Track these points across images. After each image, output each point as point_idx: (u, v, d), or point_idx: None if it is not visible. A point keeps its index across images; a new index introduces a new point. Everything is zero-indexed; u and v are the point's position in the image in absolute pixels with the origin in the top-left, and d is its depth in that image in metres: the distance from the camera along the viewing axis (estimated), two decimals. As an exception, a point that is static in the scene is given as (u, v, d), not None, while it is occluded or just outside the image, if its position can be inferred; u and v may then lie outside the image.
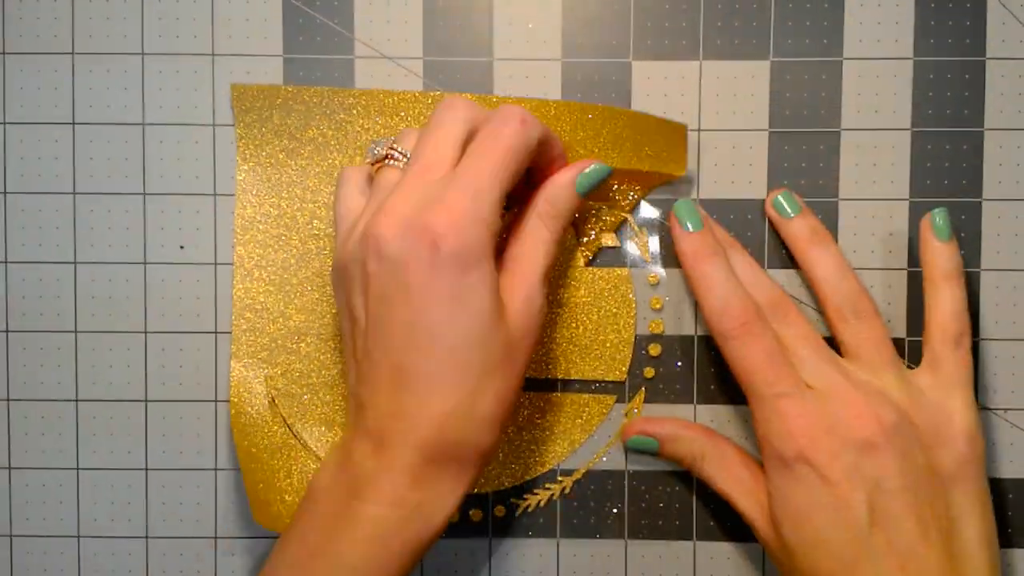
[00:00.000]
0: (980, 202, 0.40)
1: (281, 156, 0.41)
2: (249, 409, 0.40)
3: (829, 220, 0.40)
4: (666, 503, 0.41)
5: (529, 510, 0.41)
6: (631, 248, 0.41)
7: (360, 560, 0.34)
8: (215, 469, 0.41)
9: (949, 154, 0.40)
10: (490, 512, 0.41)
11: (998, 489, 0.40)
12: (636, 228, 0.40)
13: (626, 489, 0.41)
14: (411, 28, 0.41)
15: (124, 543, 0.42)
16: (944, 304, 0.38)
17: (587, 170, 0.38)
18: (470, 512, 0.41)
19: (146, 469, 0.41)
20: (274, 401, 0.41)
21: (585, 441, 0.41)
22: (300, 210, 0.41)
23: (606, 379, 0.41)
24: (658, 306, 0.41)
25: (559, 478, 0.41)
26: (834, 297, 0.38)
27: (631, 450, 0.41)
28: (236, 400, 0.40)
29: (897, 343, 0.40)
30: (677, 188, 0.41)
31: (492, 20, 0.41)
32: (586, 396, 0.41)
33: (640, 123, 0.40)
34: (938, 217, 0.39)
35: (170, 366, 0.41)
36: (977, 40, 0.40)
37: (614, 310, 0.41)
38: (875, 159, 0.40)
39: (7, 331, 0.41)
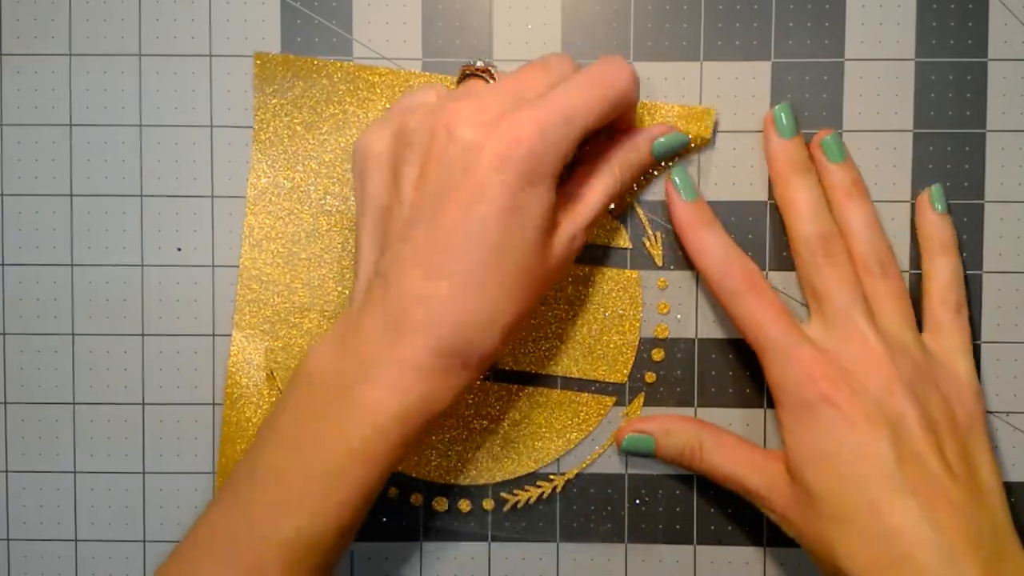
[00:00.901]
0: (982, 204, 0.40)
1: (299, 128, 0.40)
2: (245, 380, 0.40)
3: (830, 222, 0.40)
4: (666, 506, 0.41)
5: (519, 506, 0.41)
6: (643, 250, 0.41)
7: (360, 444, 0.34)
8: (213, 473, 0.41)
9: (951, 156, 0.40)
10: (478, 505, 0.41)
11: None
12: (651, 232, 0.40)
13: (626, 492, 0.41)
14: (410, 29, 0.40)
15: (122, 547, 0.41)
16: (941, 273, 0.39)
17: (668, 135, 0.39)
18: (459, 502, 0.41)
19: (144, 472, 0.41)
20: (272, 374, 0.40)
21: (581, 441, 0.41)
22: (314, 184, 0.40)
23: (607, 380, 0.41)
24: (665, 311, 0.40)
25: (551, 477, 0.41)
26: (863, 250, 0.39)
27: (627, 453, 0.40)
28: (233, 370, 0.40)
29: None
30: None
31: (491, 21, 0.40)
32: (585, 396, 0.41)
33: (663, 112, 0.40)
34: (935, 191, 0.40)
35: (168, 369, 0.41)
36: (979, 41, 0.40)
37: (620, 311, 0.40)
38: (876, 160, 0.40)
39: (4, 333, 0.41)
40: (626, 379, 0.41)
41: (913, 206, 0.40)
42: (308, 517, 0.33)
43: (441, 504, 0.41)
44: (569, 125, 0.34)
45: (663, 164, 0.40)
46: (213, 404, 0.41)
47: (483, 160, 0.33)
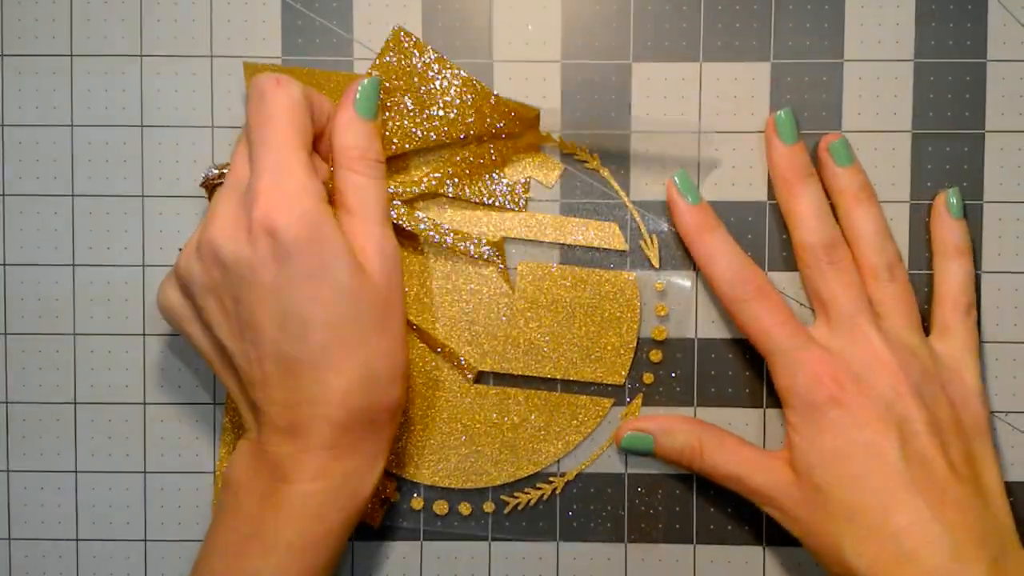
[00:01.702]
0: (981, 204, 0.40)
1: None
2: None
3: (830, 222, 0.40)
4: (666, 506, 0.41)
5: (519, 508, 0.41)
6: (640, 252, 0.41)
7: (297, 536, 0.34)
8: (213, 472, 0.41)
9: (950, 156, 0.40)
10: (479, 508, 0.41)
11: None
12: (647, 235, 0.40)
13: (626, 492, 0.41)
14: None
15: (123, 546, 0.41)
16: (955, 276, 0.39)
17: (358, 93, 0.37)
18: (459, 505, 0.41)
19: (145, 472, 0.41)
20: None
21: (581, 443, 0.41)
22: None
23: (605, 382, 0.41)
24: (663, 312, 0.41)
25: (551, 478, 0.41)
26: (873, 256, 0.39)
27: (626, 452, 0.40)
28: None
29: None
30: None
31: (491, 22, 0.41)
32: (584, 398, 0.41)
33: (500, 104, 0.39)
34: (952, 196, 0.40)
35: (169, 369, 0.41)
36: (978, 42, 0.40)
37: (618, 314, 0.40)
38: (875, 161, 0.40)
39: (5, 333, 0.41)
40: (624, 381, 0.41)
41: (912, 206, 0.40)
42: None
43: (442, 507, 0.41)
44: (288, 174, 0.34)
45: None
46: (214, 404, 0.41)
47: (257, 268, 0.34)
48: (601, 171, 0.40)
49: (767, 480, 0.38)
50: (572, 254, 0.41)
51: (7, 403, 0.41)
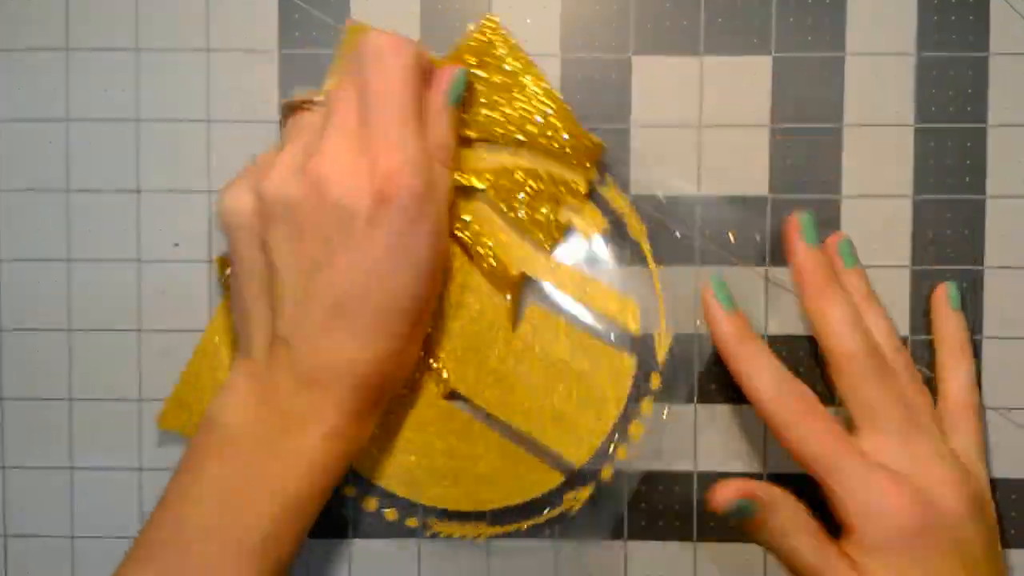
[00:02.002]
0: (984, 199, 0.40)
1: None
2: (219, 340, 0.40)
3: (831, 217, 0.40)
4: (666, 503, 0.41)
5: (573, 514, 0.41)
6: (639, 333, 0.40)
7: (307, 490, 0.35)
8: (210, 469, 0.41)
9: (952, 151, 0.40)
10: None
11: (1000, 489, 0.40)
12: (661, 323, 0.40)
13: (625, 490, 0.41)
14: (408, 24, 0.40)
15: (119, 543, 0.41)
16: (962, 376, 0.39)
17: (451, 83, 0.37)
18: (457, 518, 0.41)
19: (140, 469, 0.41)
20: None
21: (514, 505, 0.40)
22: None
23: (566, 456, 0.40)
24: (656, 385, 0.40)
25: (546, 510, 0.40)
26: (891, 360, 0.38)
27: (732, 517, 0.36)
28: (227, 305, 0.40)
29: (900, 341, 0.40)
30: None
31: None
32: (539, 463, 0.40)
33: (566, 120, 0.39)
34: (952, 288, 0.39)
35: (165, 364, 0.41)
36: (980, 36, 0.40)
37: (606, 392, 0.40)
38: (877, 155, 0.40)
39: (0, 330, 0.41)
40: (582, 462, 0.40)
41: (914, 203, 0.40)
42: None
43: (438, 525, 0.41)
44: (406, 145, 0.34)
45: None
46: (210, 400, 0.41)
47: (357, 218, 0.34)
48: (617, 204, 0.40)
49: (819, 562, 0.35)
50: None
51: (2, 399, 0.41)
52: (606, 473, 0.40)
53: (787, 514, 0.36)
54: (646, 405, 0.40)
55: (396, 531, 0.41)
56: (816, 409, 0.36)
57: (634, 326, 0.40)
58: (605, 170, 0.40)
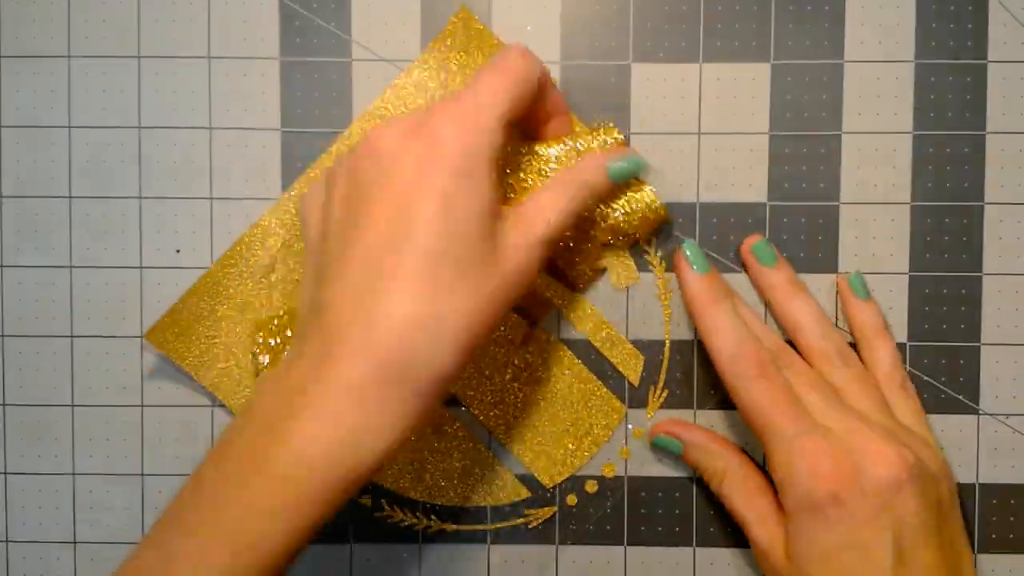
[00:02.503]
0: (982, 206, 0.40)
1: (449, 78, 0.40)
2: (253, 255, 0.40)
3: (830, 224, 0.40)
4: (665, 509, 0.41)
5: (528, 527, 0.41)
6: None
7: (281, 487, 0.31)
8: (212, 475, 0.41)
9: (950, 157, 0.40)
10: (488, 522, 0.41)
11: (999, 495, 0.40)
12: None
13: (625, 495, 0.41)
14: (409, 30, 0.40)
15: (120, 549, 0.41)
16: (882, 358, 0.40)
17: (623, 159, 0.38)
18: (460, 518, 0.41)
19: (142, 475, 0.41)
20: (274, 267, 0.40)
21: (472, 506, 0.41)
22: None
23: (538, 477, 0.40)
24: (626, 456, 0.41)
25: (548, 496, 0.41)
26: (821, 344, 0.39)
27: (655, 448, 0.40)
28: (248, 241, 0.40)
29: (899, 347, 0.40)
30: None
31: (491, 22, 0.40)
32: (508, 474, 0.40)
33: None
34: (854, 278, 0.40)
35: (166, 371, 0.41)
36: (978, 43, 0.40)
37: (591, 431, 0.40)
38: (876, 162, 0.40)
39: (2, 335, 0.41)
40: (551, 486, 0.40)
41: (912, 209, 0.40)
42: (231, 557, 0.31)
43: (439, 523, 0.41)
44: (484, 112, 0.33)
45: (625, 196, 0.39)
46: (212, 406, 0.41)
47: (404, 166, 0.33)
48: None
49: (765, 537, 0.37)
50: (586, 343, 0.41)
51: (4, 405, 0.41)
52: (591, 486, 0.41)
53: (725, 463, 0.39)
54: (648, 410, 0.41)
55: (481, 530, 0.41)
56: (768, 372, 0.37)
57: (634, 378, 0.40)
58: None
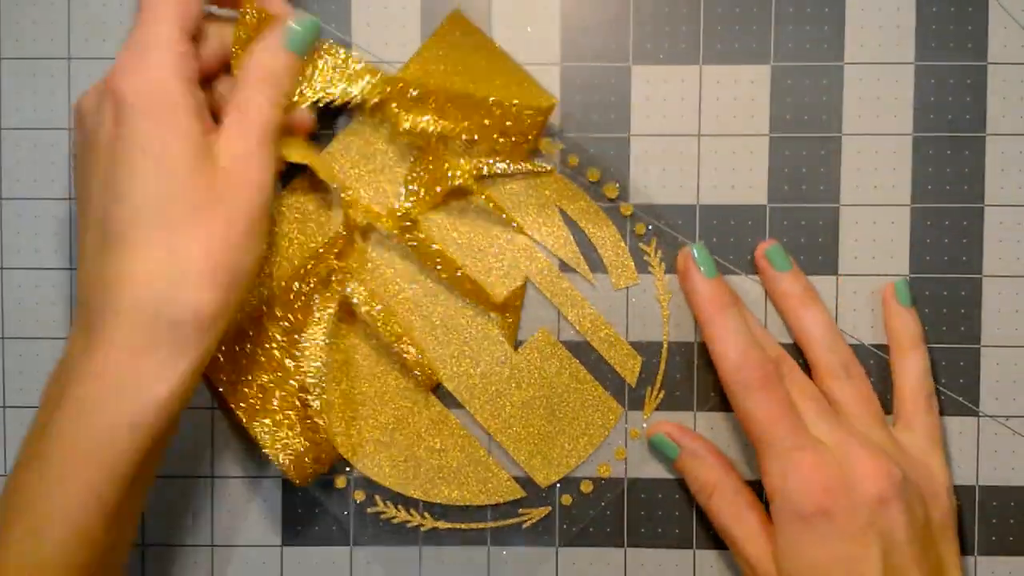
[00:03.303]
0: (982, 207, 0.40)
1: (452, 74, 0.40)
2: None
3: (830, 226, 0.40)
4: (665, 511, 0.41)
5: (524, 526, 0.41)
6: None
7: (72, 444, 0.31)
8: (211, 477, 0.41)
9: (951, 159, 0.40)
10: (489, 521, 0.41)
11: (1000, 496, 0.40)
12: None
13: (625, 497, 0.41)
14: (409, 33, 0.40)
15: (120, 550, 0.41)
16: (913, 370, 0.39)
17: (295, 27, 0.36)
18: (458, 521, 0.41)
19: (142, 476, 0.41)
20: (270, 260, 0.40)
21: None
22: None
23: (532, 477, 0.40)
24: (622, 456, 0.41)
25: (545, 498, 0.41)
26: (828, 357, 0.39)
27: (651, 448, 0.40)
28: None
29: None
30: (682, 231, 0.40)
31: (491, 24, 0.40)
32: (503, 474, 0.40)
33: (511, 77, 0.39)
34: (900, 284, 0.40)
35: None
36: (979, 45, 0.40)
37: (587, 430, 0.40)
38: (876, 164, 0.40)
39: (3, 338, 0.41)
40: (544, 488, 0.40)
41: (912, 212, 0.40)
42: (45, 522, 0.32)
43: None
44: (152, 49, 0.33)
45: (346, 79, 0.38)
46: (212, 408, 0.41)
47: (102, 127, 0.33)
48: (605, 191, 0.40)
49: (757, 555, 0.37)
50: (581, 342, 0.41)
51: (4, 407, 0.41)
52: (586, 486, 0.41)
53: (717, 477, 0.38)
54: (646, 412, 0.41)
55: (471, 530, 0.41)
56: (770, 383, 0.37)
57: (632, 379, 0.40)
58: (613, 179, 0.40)
